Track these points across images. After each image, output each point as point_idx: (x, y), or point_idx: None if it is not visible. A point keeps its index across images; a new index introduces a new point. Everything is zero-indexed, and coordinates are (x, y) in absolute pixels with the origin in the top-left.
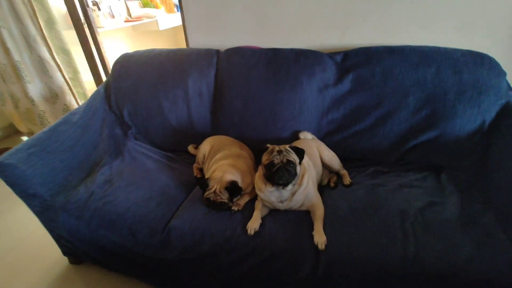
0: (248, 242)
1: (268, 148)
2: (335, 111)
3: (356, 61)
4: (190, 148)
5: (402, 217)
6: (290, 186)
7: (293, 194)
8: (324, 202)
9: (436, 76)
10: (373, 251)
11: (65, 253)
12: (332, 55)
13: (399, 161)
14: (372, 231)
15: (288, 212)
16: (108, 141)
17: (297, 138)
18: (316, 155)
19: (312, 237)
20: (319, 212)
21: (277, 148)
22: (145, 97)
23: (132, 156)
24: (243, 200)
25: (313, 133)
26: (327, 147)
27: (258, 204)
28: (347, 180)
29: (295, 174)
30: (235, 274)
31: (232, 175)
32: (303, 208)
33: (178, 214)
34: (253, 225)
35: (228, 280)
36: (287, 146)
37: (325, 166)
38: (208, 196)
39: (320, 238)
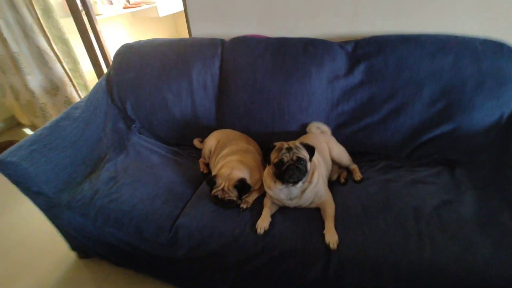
0: (257, 241)
1: (275, 146)
2: (345, 103)
3: (367, 51)
4: (196, 142)
5: (416, 216)
6: (300, 184)
7: (303, 191)
8: (334, 200)
9: (454, 66)
10: (387, 252)
11: (73, 248)
12: (342, 44)
13: (412, 155)
14: (386, 231)
15: (297, 209)
16: (111, 135)
17: (305, 132)
18: (325, 151)
19: (323, 236)
20: (329, 210)
21: (285, 145)
22: (148, 90)
23: (137, 151)
24: (251, 197)
25: None
26: (337, 141)
27: (267, 202)
28: (357, 175)
29: (306, 171)
30: (244, 273)
31: (240, 172)
32: (313, 205)
33: (185, 211)
34: (263, 223)
35: (236, 278)
36: (297, 143)
37: (334, 161)
38: (215, 193)
39: (331, 237)
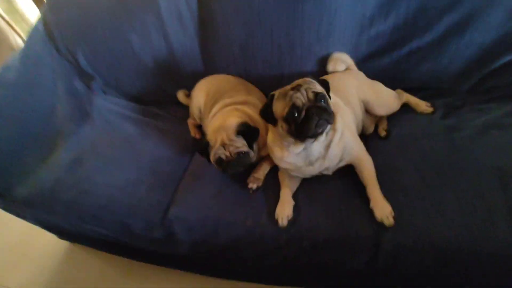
0: (278, 234)
1: (274, 94)
2: (381, 21)
3: None
4: (181, 96)
5: (503, 181)
6: (323, 136)
7: (328, 146)
8: (374, 162)
9: None
10: (462, 236)
11: (61, 237)
12: None
13: (476, 88)
14: (458, 207)
15: (326, 182)
16: (67, 100)
17: (326, 71)
18: (352, 95)
19: (369, 214)
20: (368, 169)
21: (289, 86)
22: (103, 31)
23: (105, 119)
24: (262, 171)
25: None
26: (374, 82)
27: (283, 178)
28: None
29: (332, 111)
30: (266, 265)
31: (237, 118)
32: (343, 164)
33: (178, 197)
34: (284, 211)
35: (257, 270)
36: (306, 78)
37: (370, 110)
38: (218, 156)
39: (382, 210)
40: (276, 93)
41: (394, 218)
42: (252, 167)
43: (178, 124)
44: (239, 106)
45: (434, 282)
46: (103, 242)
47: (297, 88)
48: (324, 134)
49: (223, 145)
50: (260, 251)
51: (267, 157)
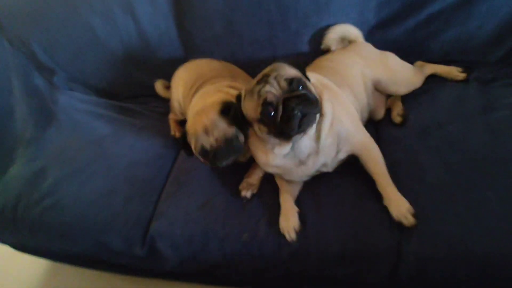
0: (280, 247)
1: (240, 94)
2: None
3: None
4: (159, 88)
5: None
6: (312, 128)
7: (318, 138)
8: (390, 156)
9: None
10: (506, 244)
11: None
12: None
13: (507, 58)
14: (501, 209)
15: (332, 183)
16: (27, 101)
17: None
18: (354, 77)
19: (385, 211)
20: (373, 158)
21: (254, 80)
22: (57, 15)
23: (72, 119)
24: (256, 175)
25: None
26: (385, 55)
27: (281, 182)
28: None
29: (314, 96)
30: (268, 278)
31: (220, 96)
32: (343, 156)
33: (160, 209)
34: (289, 222)
35: (258, 280)
36: (274, 64)
37: (384, 90)
38: (201, 146)
39: (398, 207)
40: (242, 91)
41: (415, 216)
42: (245, 167)
43: (158, 121)
44: (223, 88)
45: None
46: (84, 259)
47: (264, 80)
48: (313, 125)
49: (206, 131)
50: (260, 266)
51: None
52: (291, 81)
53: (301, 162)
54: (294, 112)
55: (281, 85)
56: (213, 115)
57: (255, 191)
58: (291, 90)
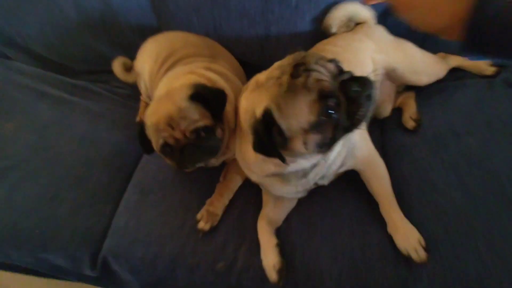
0: (263, 282)
1: (269, 108)
2: None
3: None
4: (117, 68)
5: None
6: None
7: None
8: (398, 172)
9: None
10: None
11: None
12: None
13: None
14: None
15: (327, 201)
16: None
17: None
18: (367, 66)
19: (389, 241)
20: (379, 177)
21: (287, 65)
22: None
23: (7, 96)
24: (219, 203)
25: None
26: (400, 41)
27: (266, 200)
28: None
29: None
30: None
31: (191, 79)
32: (343, 170)
33: (117, 225)
34: (267, 260)
35: None
36: (299, 52)
37: (400, 80)
38: (163, 141)
39: (406, 238)
40: (265, 103)
41: (427, 250)
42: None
43: (121, 106)
44: (198, 70)
45: None
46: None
47: (303, 70)
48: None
49: (169, 123)
50: None
51: (235, 165)
52: (336, 63)
53: (305, 174)
54: (362, 95)
55: (330, 69)
56: (180, 101)
57: (215, 223)
58: (340, 72)
